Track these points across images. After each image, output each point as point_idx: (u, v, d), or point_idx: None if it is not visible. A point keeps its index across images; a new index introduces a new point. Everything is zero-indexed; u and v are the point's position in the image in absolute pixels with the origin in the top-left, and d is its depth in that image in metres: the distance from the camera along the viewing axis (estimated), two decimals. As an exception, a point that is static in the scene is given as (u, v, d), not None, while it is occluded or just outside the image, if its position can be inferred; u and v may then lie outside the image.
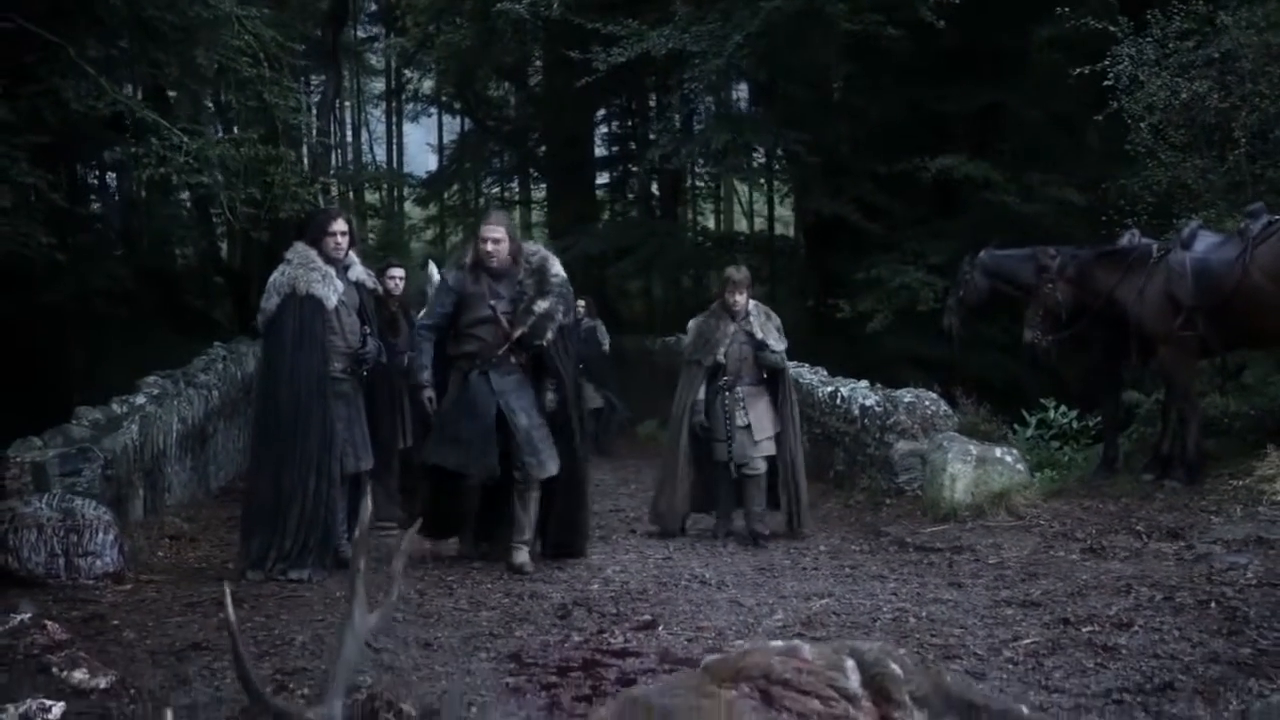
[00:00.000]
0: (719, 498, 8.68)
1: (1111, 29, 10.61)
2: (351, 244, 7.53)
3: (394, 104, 31.58)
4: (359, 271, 7.57)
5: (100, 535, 6.57)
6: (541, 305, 7.21)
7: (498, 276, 7.25)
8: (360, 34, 28.44)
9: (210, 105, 15.29)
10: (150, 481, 8.79)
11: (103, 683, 4.46)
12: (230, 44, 12.32)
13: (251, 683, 2.55)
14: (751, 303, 8.70)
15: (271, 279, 7.31)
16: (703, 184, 28.06)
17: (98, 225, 21.00)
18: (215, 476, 10.95)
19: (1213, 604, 5.40)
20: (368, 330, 7.42)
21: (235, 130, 12.50)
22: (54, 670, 4.59)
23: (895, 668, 3.17)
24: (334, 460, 7.04)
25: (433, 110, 29.29)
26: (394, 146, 33.15)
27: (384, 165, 31.60)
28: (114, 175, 21.39)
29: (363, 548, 2.91)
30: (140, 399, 9.31)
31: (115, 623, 5.64)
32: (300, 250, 7.34)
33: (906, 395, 9.71)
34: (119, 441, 8.17)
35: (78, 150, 15.84)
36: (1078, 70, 10.91)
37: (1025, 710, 3.28)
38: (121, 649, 5.18)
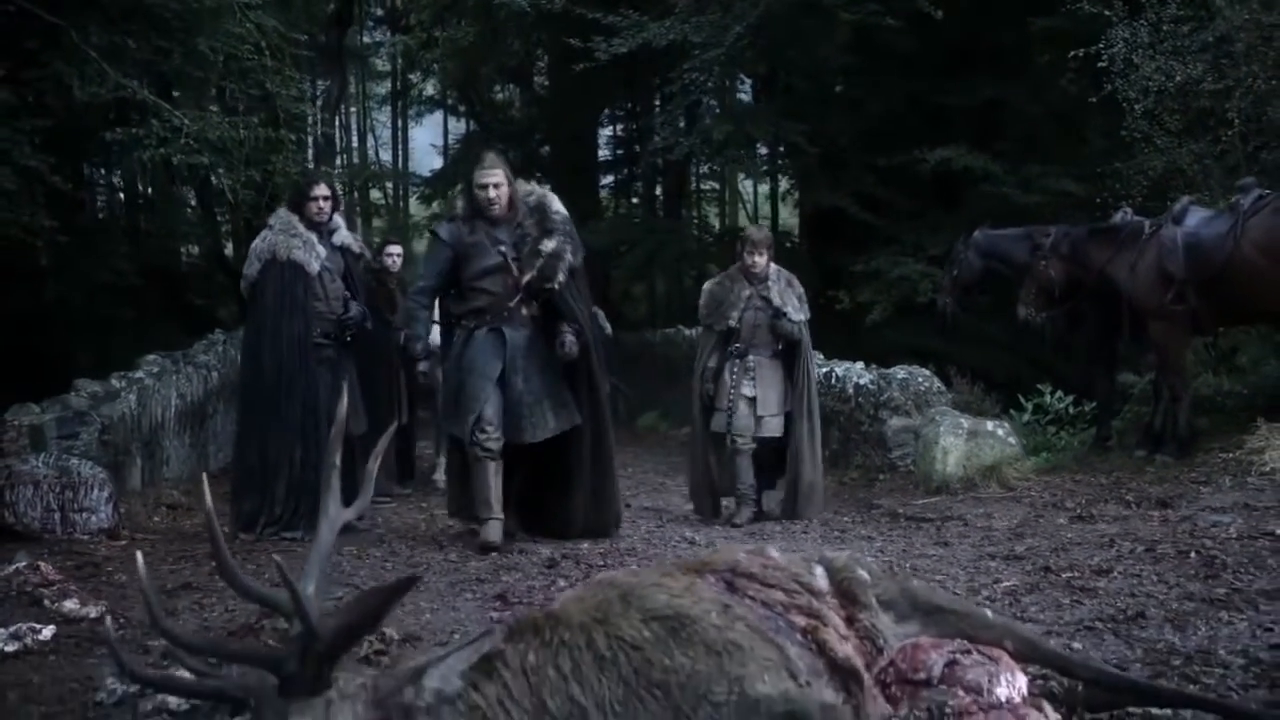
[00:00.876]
0: (734, 473, 8.03)
1: (1106, 13, 10.66)
2: (335, 208, 7.51)
3: (399, 105, 31.74)
4: (344, 236, 7.51)
5: (95, 492, 6.67)
6: (548, 245, 6.62)
7: (496, 223, 6.69)
8: (366, 39, 28.57)
9: (214, 95, 15.36)
10: (148, 453, 8.88)
11: (93, 612, 4.55)
12: (232, 32, 12.44)
13: (229, 565, 2.61)
14: (773, 267, 8.09)
15: (253, 245, 7.38)
16: (707, 187, 28.16)
17: (101, 216, 21.18)
18: (215, 457, 11.01)
19: (1192, 554, 5.44)
20: (348, 294, 7.39)
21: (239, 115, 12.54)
22: (46, 603, 4.67)
23: (863, 573, 3.24)
24: (320, 425, 7.01)
25: (437, 111, 29.45)
26: (399, 147, 33.37)
27: (389, 166, 31.78)
28: (119, 173, 21.50)
29: (337, 445, 2.96)
30: (139, 374, 9.38)
31: (109, 569, 5.72)
32: (282, 216, 7.35)
33: (900, 372, 9.78)
34: (116, 409, 8.28)
35: (83, 146, 15.91)
36: (1072, 53, 10.95)
37: (989, 613, 3.33)
38: (113, 588, 5.27)
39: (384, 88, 32.48)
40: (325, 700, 2.31)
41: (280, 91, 12.99)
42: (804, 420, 7.94)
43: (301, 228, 7.22)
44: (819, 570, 3.18)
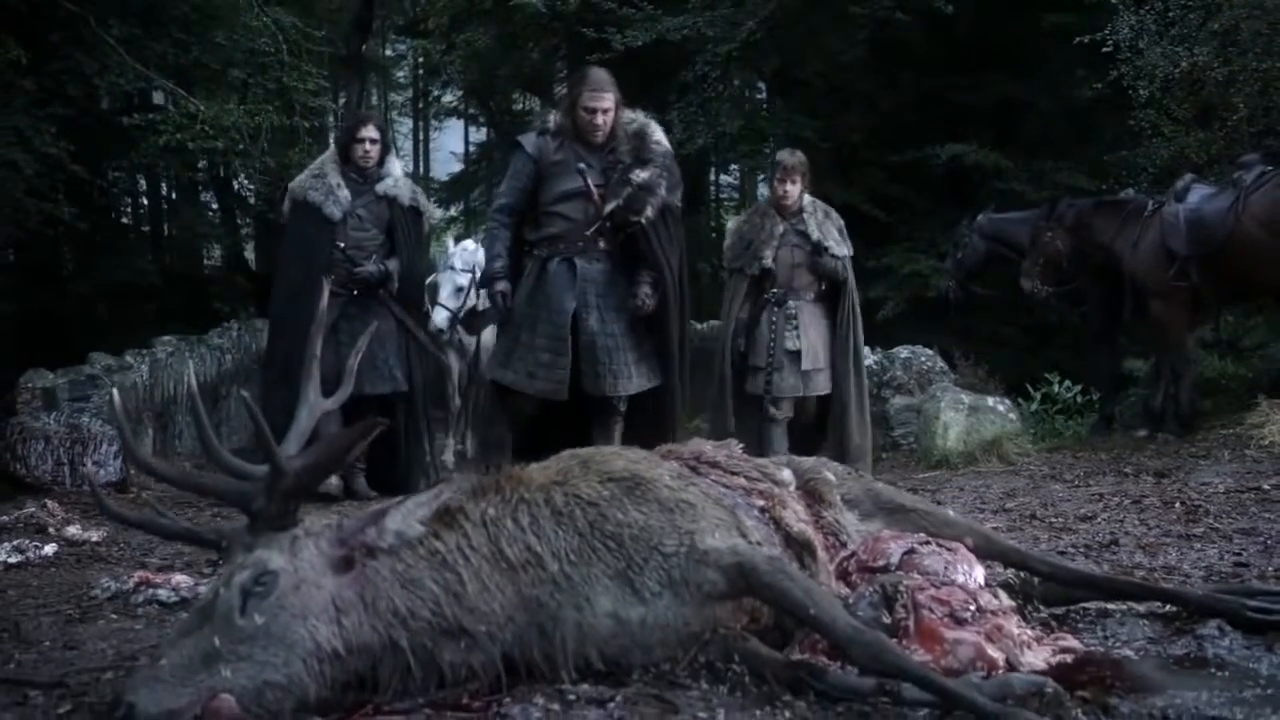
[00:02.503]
0: (763, 445, 6.71)
1: (1113, 0, 10.71)
2: (385, 153, 7.06)
3: (420, 107, 32.06)
4: (391, 185, 7.01)
5: (105, 447, 6.77)
6: (640, 175, 5.74)
7: (590, 146, 5.86)
8: (389, 52, 28.86)
9: (233, 90, 15.58)
10: (160, 424, 8.99)
11: (95, 536, 4.68)
12: (250, 26, 12.67)
13: (210, 440, 2.73)
14: (808, 198, 7.08)
15: (291, 182, 7.16)
16: (725, 195, 28.27)
17: (125, 220, 21.44)
18: (228, 439, 11.10)
19: (1178, 504, 5.53)
20: (386, 249, 6.97)
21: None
22: (50, 530, 4.81)
23: (828, 474, 3.35)
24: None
25: (456, 119, 29.76)
26: (420, 153, 33.66)
27: (410, 172, 32.06)
28: (141, 176, 21.73)
29: (317, 334, 3.07)
30: (154, 350, 9.54)
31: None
32: (327, 155, 7.06)
33: (903, 351, 9.85)
34: (129, 378, 8.41)
35: (104, 144, 16.11)
36: (1077, 39, 11.02)
37: (950, 512, 3.43)
38: (118, 527, 5.37)
39: (404, 96, 32.77)
40: (291, 536, 2.43)
41: (298, 85, 13.14)
42: (850, 373, 6.99)
43: (332, 170, 6.87)
44: (787, 473, 3.30)
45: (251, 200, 21.46)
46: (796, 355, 6.85)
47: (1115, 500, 5.85)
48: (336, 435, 2.54)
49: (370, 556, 2.46)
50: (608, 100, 5.81)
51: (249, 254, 23.68)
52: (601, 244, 5.85)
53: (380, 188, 6.96)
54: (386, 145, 7.13)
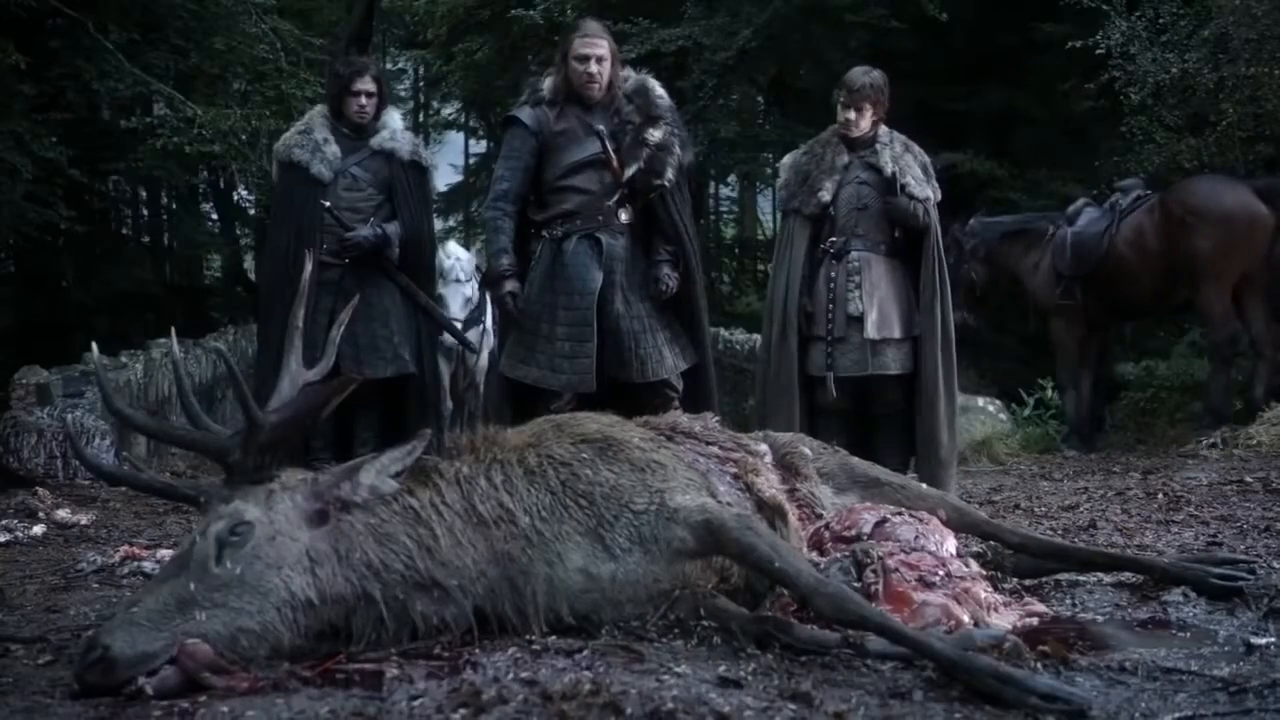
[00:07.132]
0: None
1: (1104, 7, 10.76)
2: (382, 106, 6.23)
3: (420, 119, 32.22)
4: (388, 138, 6.16)
5: (98, 440, 6.80)
6: (654, 135, 5.13)
7: (590, 108, 5.23)
8: (390, 66, 29.02)
9: (232, 95, 15.66)
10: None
11: (84, 519, 4.73)
12: (249, 33, 12.77)
13: (191, 404, 2.79)
14: (884, 129, 5.66)
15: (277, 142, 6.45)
16: (725, 209, 28.38)
17: (126, 231, 21.56)
18: (225, 442, 11.14)
19: (1160, 494, 5.57)
20: (385, 210, 6.14)
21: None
22: (40, 514, 4.85)
23: (805, 449, 3.40)
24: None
25: (456, 131, 29.93)
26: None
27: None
28: (143, 188, 21.82)
29: (300, 304, 3.12)
30: (149, 350, 9.58)
31: (105, 498, 5.87)
32: (316, 110, 6.33)
33: (891, 350, 9.81)
34: (123, 375, 8.45)
35: (104, 153, 16.21)
36: (1069, 44, 11.07)
37: (924, 486, 3.49)
38: (107, 510, 5.43)
39: (404, 110, 32.95)
40: (267, 489, 2.48)
41: (296, 93, 13.21)
42: (936, 349, 5.46)
43: (320, 124, 6.09)
44: (764, 447, 3.35)
45: (251, 211, 21.55)
46: (859, 320, 5.50)
47: (1100, 493, 5.90)
48: (311, 389, 2.60)
49: (345, 511, 2.51)
50: (601, 47, 5.17)
51: (248, 265, 23.80)
52: (622, 216, 5.21)
53: (375, 142, 6.12)
54: (384, 97, 6.29)
